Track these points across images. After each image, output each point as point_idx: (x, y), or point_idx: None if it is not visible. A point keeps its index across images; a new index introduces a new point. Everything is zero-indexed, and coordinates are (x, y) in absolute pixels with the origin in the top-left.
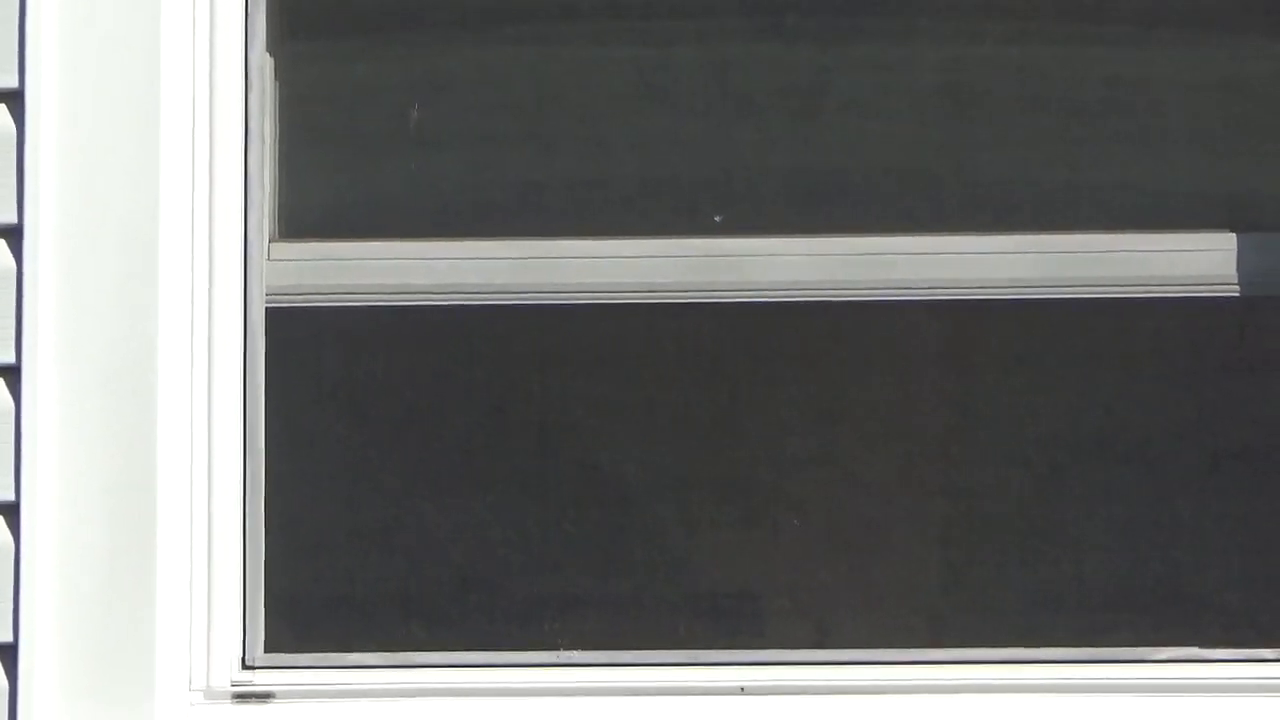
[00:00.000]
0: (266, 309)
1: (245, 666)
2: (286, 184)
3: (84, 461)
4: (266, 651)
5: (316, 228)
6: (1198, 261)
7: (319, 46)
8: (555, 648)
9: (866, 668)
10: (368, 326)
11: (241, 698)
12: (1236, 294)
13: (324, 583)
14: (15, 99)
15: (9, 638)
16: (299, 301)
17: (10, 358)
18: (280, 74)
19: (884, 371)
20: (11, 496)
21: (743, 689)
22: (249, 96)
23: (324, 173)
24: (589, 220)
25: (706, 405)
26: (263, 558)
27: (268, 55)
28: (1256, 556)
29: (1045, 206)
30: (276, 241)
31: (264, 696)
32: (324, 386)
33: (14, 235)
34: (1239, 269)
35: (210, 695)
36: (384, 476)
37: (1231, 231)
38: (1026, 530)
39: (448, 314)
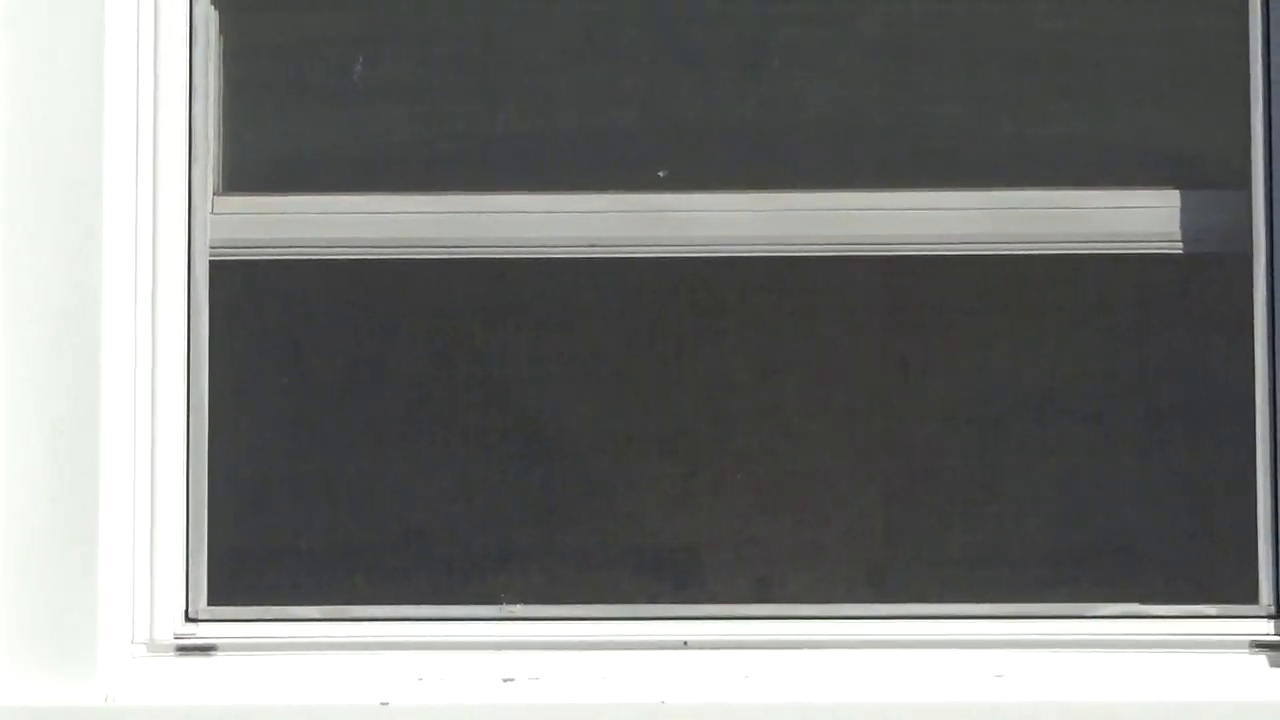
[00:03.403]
0: (210, 262)
1: (188, 619)
2: (230, 138)
3: (26, 416)
4: (210, 604)
5: (260, 181)
6: (1141, 218)
7: (263, 0)
8: (498, 601)
9: (808, 622)
10: (311, 280)
11: (185, 650)
12: (1180, 251)
13: (267, 536)
14: None
15: None
16: (243, 255)
17: None
18: (224, 28)
19: (827, 326)
20: None
21: (685, 643)
22: (193, 50)
23: (268, 126)
24: (532, 174)
25: (650, 359)
26: (206, 511)
27: (212, 9)
28: (1198, 513)
29: (989, 163)
30: (220, 195)
31: (207, 649)
32: (267, 339)
33: None
34: (1182, 226)
35: (153, 648)
36: (327, 429)
37: (1175, 189)
38: (969, 485)
39: (391, 267)
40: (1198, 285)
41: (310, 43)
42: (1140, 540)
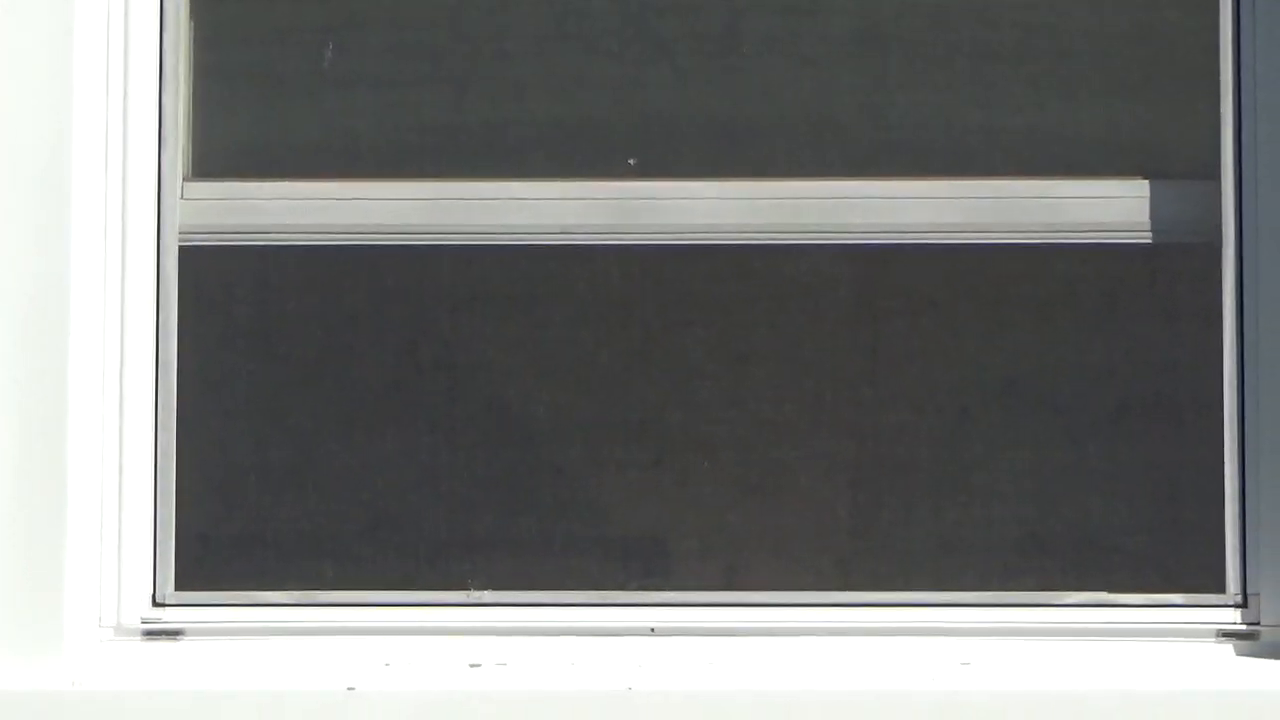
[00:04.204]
0: (179, 248)
1: (156, 604)
2: (200, 123)
3: None
4: (177, 589)
5: (230, 167)
6: (1109, 208)
7: None
8: (465, 588)
9: (775, 610)
10: (280, 266)
11: (152, 635)
12: (1148, 241)
13: (235, 521)
14: None
15: None
16: (212, 240)
17: None
18: (194, 13)
19: (795, 316)
20: None
21: (653, 630)
22: (163, 35)
23: (238, 112)
24: (502, 162)
25: (617, 347)
26: (174, 496)
27: None
28: (1165, 502)
29: (957, 152)
30: (190, 180)
31: (174, 634)
32: (236, 325)
33: None
34: (1151, 216)
35: (120, 632)
36: (296, 415)
37: (1143, 178)
38: (936, 474)
39: (360, 254)
40: (1166, 275)
41: (281, 29)
42: (1108, 529)
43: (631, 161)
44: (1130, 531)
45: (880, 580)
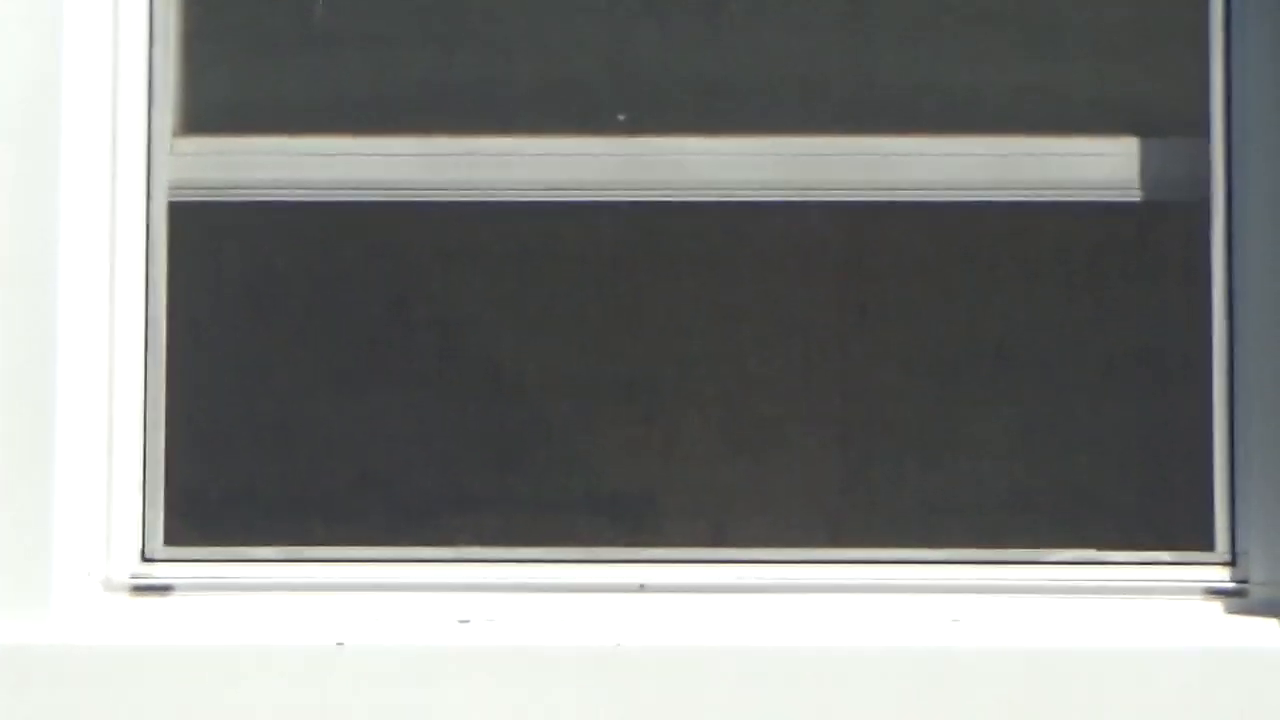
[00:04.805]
0: (169, 203)
1: (145, 559)
2: (190, 79)
3: None
4: (166, 545)
5: (220, 123)
6: (1099, 166)
7: None
8: (454, 544)
9: (764, 567)
10: (270, 221)
11: (140, 590)
12: (1138, 199)
13: (224, 477)
14: None
15: None
16: (201, 196)
17: None
18: None
19: (785, 272)
20: None
21: (642, 586)
22: None
23: (228, 68)
24: (493, 118)
25: (608, 304)
26: (163, 452)
27: None
28: (1154, 460)
29: (947, 110)
30: (179, 136)
31: (163, 589)
32: (226, 281)
33: None
34: (1141, 174)
35: (109, 587)
36: (285, 371)
37: (1133, 136)
38: (926, 431)
39: (350, 210)
40: (1155, 233)
41: None
42: (1097, 487)
43: (621, 118)
44: (1119, 489)
45: (869, 537)
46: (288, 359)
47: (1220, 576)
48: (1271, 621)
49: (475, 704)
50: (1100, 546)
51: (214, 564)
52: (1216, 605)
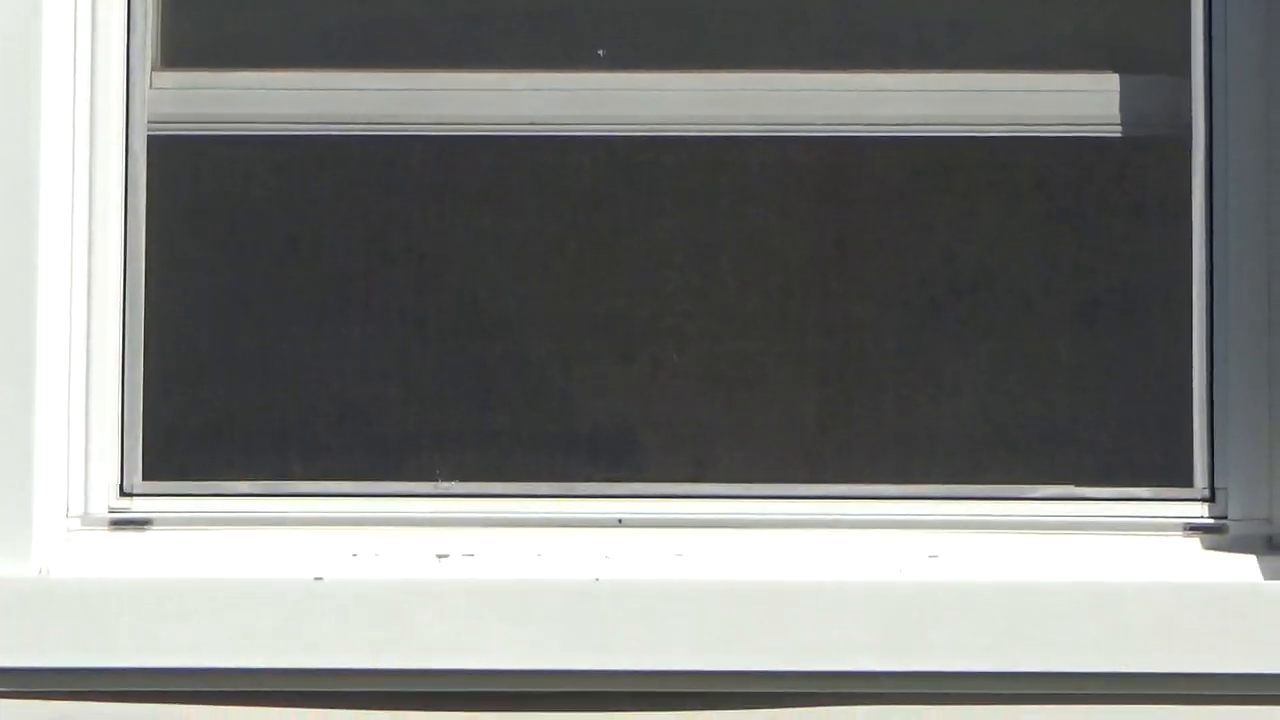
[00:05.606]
0: (148, 137)
1: (123, 494)
2: (169, 12)
3: None
4: (145, 479)
5: (199, 57)
6: (1080, 102)
7: None
8: (433, 478)
9: (743, 502)
10: (249, 156)
11: (119, 524)
12: (1118, 135)
13: (202, 411)
14: None
15: None
16: (181, 130)
17: None
18: None
19: (763, 208)
20: None
21: (620, 521)
22: None
23: (207, 2)
24: (471, 53)
25: (586, 239)
26: (141, 386)
27: None
28: (1133, 396)
29: (928, 44)
30: (159, 70)
31: (142, 523)
32: (205, 215)
33: None
34: (1121, 110)
35: (88, 522)
36: (264, 306)
37: (1113, 72)
38: (905, 367)
39: (329, 144)
40: (1136, 169)
41: None
42: (1076, 423)
43: (601, 53)
44: (1097, 426)
45: (848, 473)
46: (267, 294)
47: (1199, 513)
48: (1249, 557)
49: (453, 639)
50: (1079, 483)
51: (192, 498)
52: (1195, 541)
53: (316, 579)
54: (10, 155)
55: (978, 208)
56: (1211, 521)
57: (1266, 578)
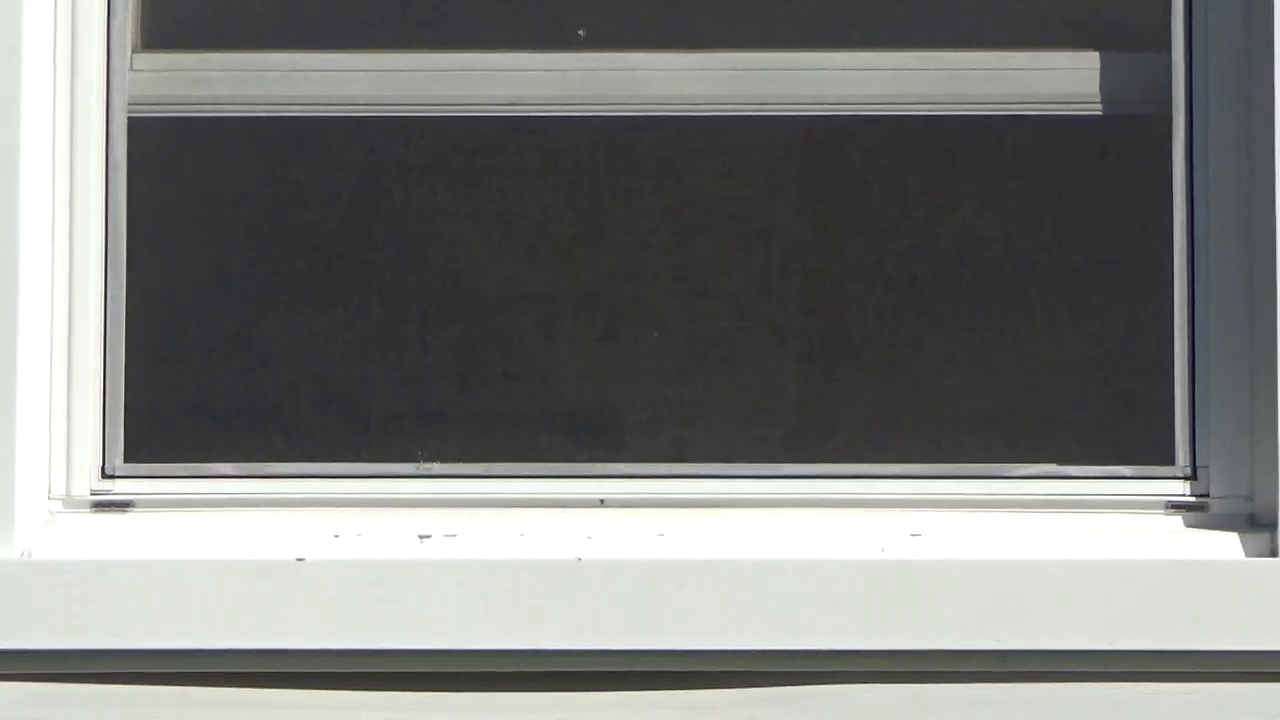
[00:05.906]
0: (129, 119)
1: (105, 475)
2: None
3: None
4: (126, 461)
5: (179, 38)
6: (1060, 80)
7: None
8: (415, 459)
9: (724, 481)
10: (230, 137)
11: (101, 506)
12: (1099, 113)
13: (184, 393)
14: None
15: None
16: (161, 111)
17: None
18: None
19: (746, 187)
20: None
21: (602, 501)
22: None
23: None
24: (452, 33)
25: (568, 218)
26: (123, 368)
27: None
28: (1115, 375)
29: (909, 24)
30: (139, 51)
31: (124, 505)
32: (186, 197)
33: None
34: (1101, 88)
35: (69, 504)
36: (245, 287)
37: (1095, 50)
38: (886, 346)
39: (310, 125)
40: (1116, 147)
41: None
42: (1058, 401)
43: (581, 33)
44: (1080, 404)
45: (830, 452)
46: (248, 275)
47: (1181, 490)
48: (1231, 535)
49: (435, 620)
50: (1061, 461)
51: (174, 480)
52: (1177, 519)
53: (299, 560)
54: None
55: (959, 186)
56: (1193, 499)
57: (1248, 555)
